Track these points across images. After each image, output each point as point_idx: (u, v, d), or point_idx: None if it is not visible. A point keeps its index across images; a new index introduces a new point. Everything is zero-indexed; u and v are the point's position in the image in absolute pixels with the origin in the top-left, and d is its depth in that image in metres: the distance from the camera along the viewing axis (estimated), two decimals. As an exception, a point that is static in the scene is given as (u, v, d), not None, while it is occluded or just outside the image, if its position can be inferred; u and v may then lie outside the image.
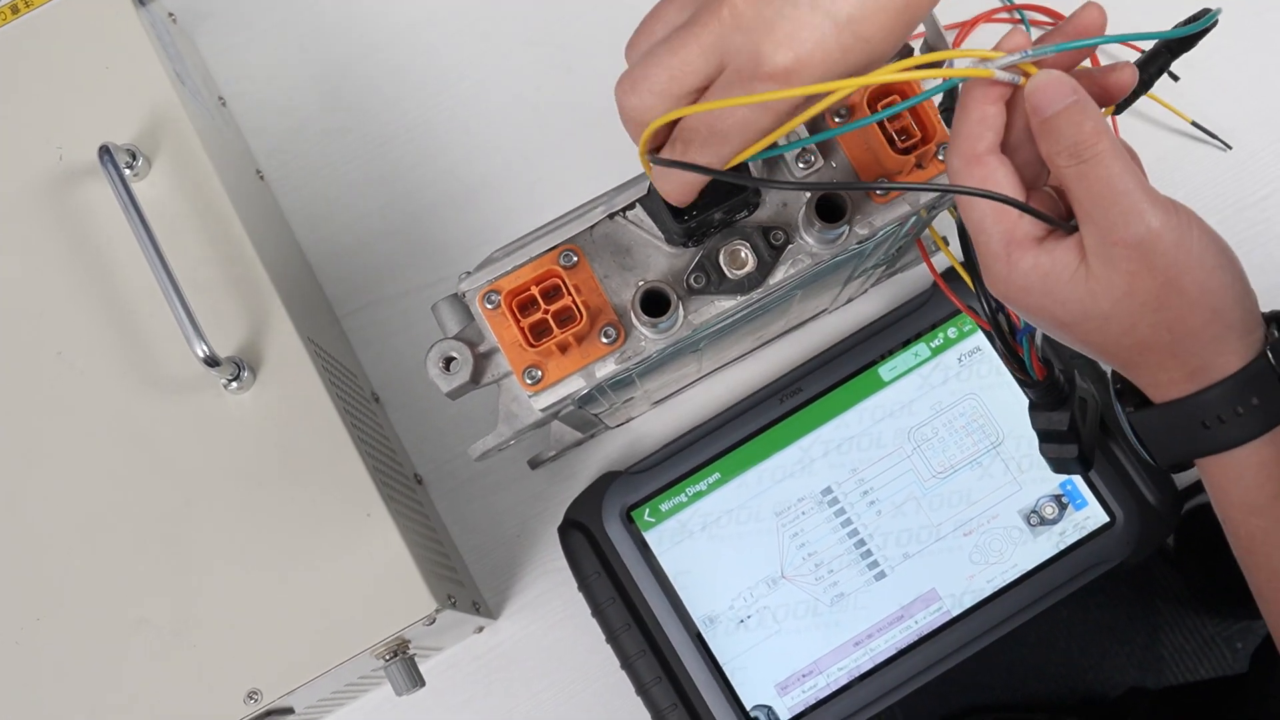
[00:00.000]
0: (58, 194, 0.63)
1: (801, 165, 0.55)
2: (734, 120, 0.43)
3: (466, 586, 0.72)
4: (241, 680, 0.58)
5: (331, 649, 0.58)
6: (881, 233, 0.56)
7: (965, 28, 0.80)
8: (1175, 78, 0.78)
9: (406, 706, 0.73)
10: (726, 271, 0.54)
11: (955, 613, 0.70)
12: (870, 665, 0.70)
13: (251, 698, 0.58)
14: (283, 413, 0.61)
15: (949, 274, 0.67)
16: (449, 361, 0.55)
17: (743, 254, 0.55)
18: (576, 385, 0.55)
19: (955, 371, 0.73)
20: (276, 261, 0.66)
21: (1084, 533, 0.71)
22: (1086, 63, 0.74)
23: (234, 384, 0.60)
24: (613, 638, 0.70)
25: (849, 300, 0.77)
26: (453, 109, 0.82)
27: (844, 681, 0.70)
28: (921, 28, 0.53)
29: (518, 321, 0.53)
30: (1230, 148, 0.78)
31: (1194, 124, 0.78)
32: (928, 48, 0.55)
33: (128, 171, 0.62)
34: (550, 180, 0.80)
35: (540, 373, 0.54)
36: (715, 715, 0.69)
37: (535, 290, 0.53)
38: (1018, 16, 0.80)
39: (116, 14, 0.65)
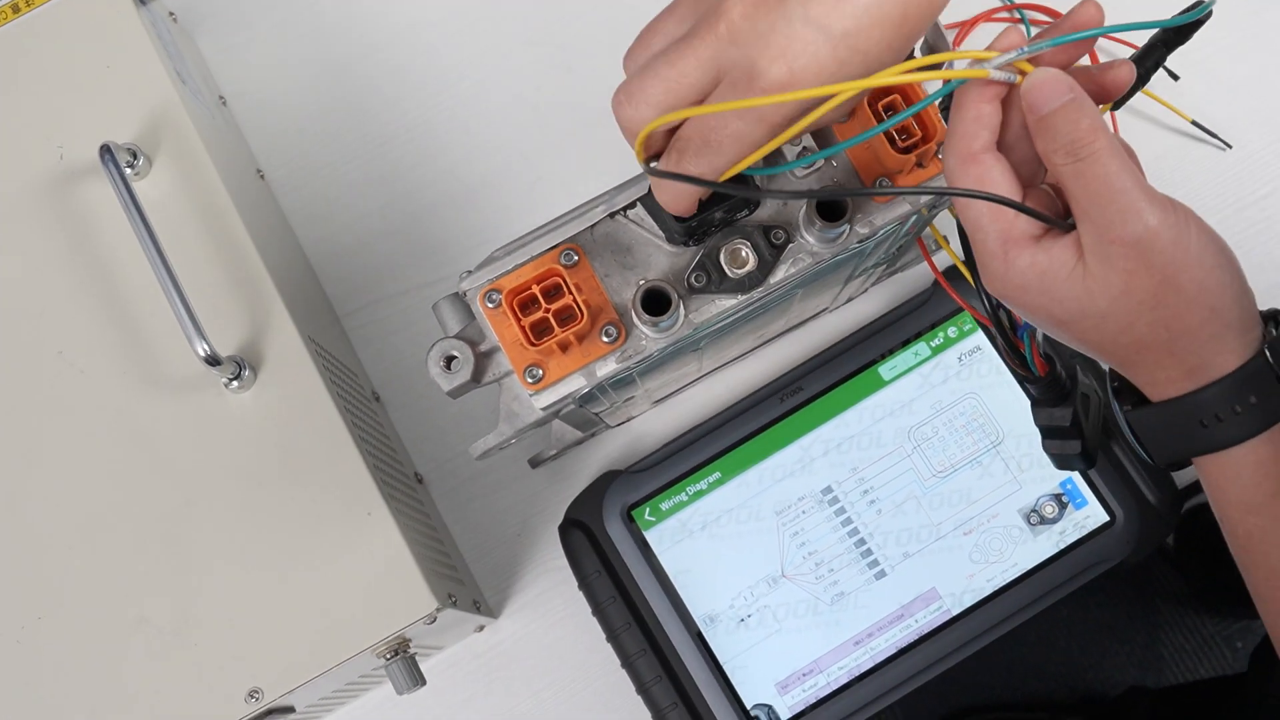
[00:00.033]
0: (58, 193, 0.63)
1: (802, 164, 0.55)
2: (727, 133, 0.44)
3: (467, 585, 0.72)
4: (242, 679, 0.58)
5: (332, 648, 0.58)
6: (882, 232, 0.56)
7: (965, 27, 0.80)
8: (1175, 76, 0.79)
9: (407, 705, 0.74)
10: (727, 270, 0.55)
11: (955, 612, 0.70)
12: (870, 664, 0.70)
13: (252, 696, 0.58)
14: (283, 412, 0.61)
15: (950, 272, 0.67)
16: (450, 360, 0.55)
17: (743, 253, 0.55)
18: (577, 384, 0.55)
19: (955, 370, 0.73)
20: (277, 261, 0.66)
21: (1084, 532, 0.71)
22: (1085, 60, 0.74)
23: (235, 383, 0.60)
24: (613, 636, 0.70)
25: (849, 299, 0.77)
26: (453, 109, 0.82)
27: (844, 680, 0.70)
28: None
29: (519, 320, 0.53)
30: (1230, 147, 0.78)
31: (1194, 123, 0.78)
32: (928, 48, 0.55)
33: (129, 171, 0.62)
34: (550, 180, 0.80)
35: (541, 371, 0.54)
36: (716, 714, 0.69)
37: (536, 289, 0.53)
38: (1018, 16, 0.80)
39: (117, 13, 0.66)
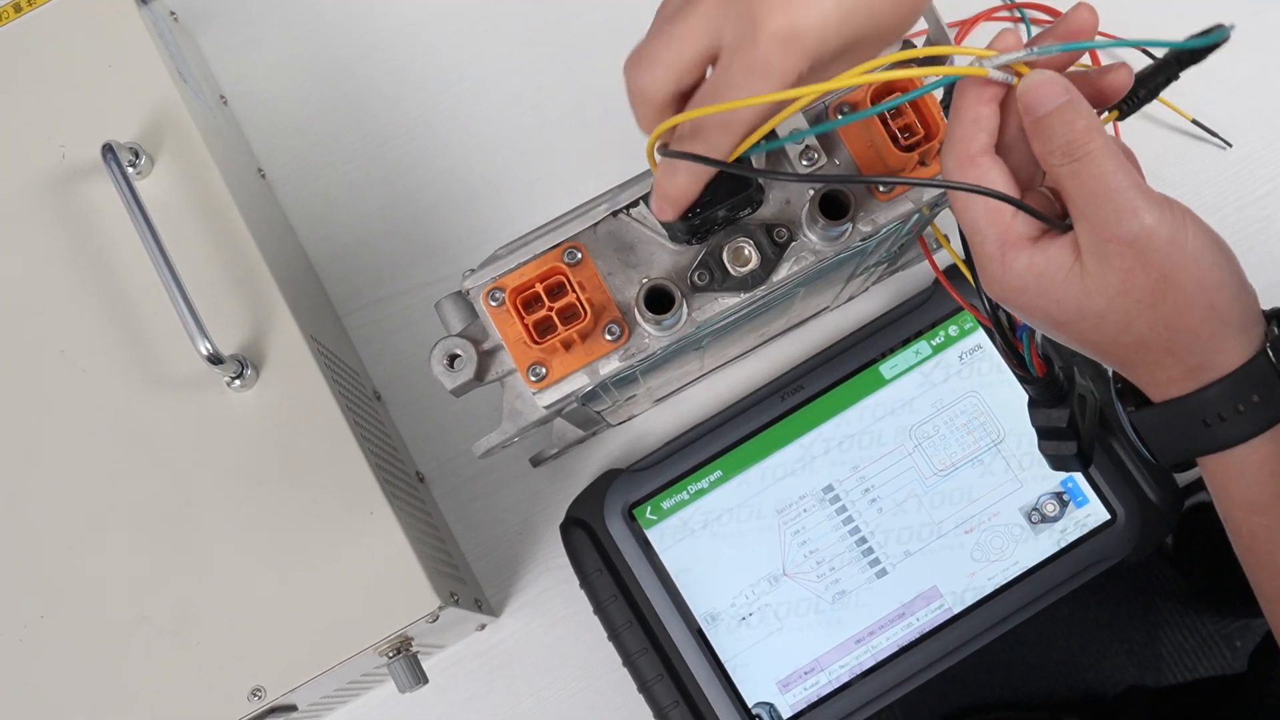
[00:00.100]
0: (60, 192, 0.63)
1: (805, 163, 0.55)
2: (722, 116, 0.44)
3: (469, 584, 0.72)
4: (244, 678, 0.58)
5: (334, 646, 0.58)
6: (884, 230, 0.56)
7: (966, 25, 0.80)
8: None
9: (409, 704, 0.74)
10: (730, 269, 0.55)
11: (956, 610, 0.70)
12: (872, 663, 0.70)
13: (255, 695, 0.58)
14: (285, 411, 0.61)
15: (950, 270, 0.68)
16: (453, 359, 0.56)
17: (746, 251, 0.55)
18: (581, 382, 0.55)
19: (956, 369, 0.73)
20: (279, 260, 0.66)
21: (1085, 530, 0.71)
22: (1087, 60, 0.74)
23: (237, 382, 0.60)
24: (614, 635, 0.70)
25: (850, 298, 0.77)
26: (453, 109, 0.82)
27: (845, 679, 0.70)
28: (924, 24, 0.53)
29: (522, 318, 0.53)
30: (1230, 145, 0.79)
31: (1194, 122, 0.78)
32: (930, 45, 0.55)
33: (130, 170, 0.62)
34: (550, 179, 0.80)
35: (544, 370, 0.54)
36: (717, 712, 0.69)
37: (539, 287, 0.53)
38: (1018, 15, 0.80)
39: (118, 13, 0.66)
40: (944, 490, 0.72)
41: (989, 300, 0.53)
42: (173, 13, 0.77)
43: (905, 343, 0.74)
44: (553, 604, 0.76)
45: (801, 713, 0.69)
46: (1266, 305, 0.47)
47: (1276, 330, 0.46)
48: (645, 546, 0.71)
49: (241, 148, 0.78)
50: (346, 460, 0.61)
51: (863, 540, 0.71)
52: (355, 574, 0.59)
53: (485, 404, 0.76)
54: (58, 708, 0.58)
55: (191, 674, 0.58)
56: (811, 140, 0.55)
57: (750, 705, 0.69)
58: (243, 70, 0.82)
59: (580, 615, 0.73)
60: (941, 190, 0.55)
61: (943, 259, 0.74)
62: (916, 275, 0.78)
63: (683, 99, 0.46)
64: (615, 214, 0.56)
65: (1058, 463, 0.56)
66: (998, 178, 0.45)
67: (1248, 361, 0.45)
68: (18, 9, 0.65)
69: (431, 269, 0.79)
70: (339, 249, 0.80)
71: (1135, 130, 0.79)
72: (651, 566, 0.71)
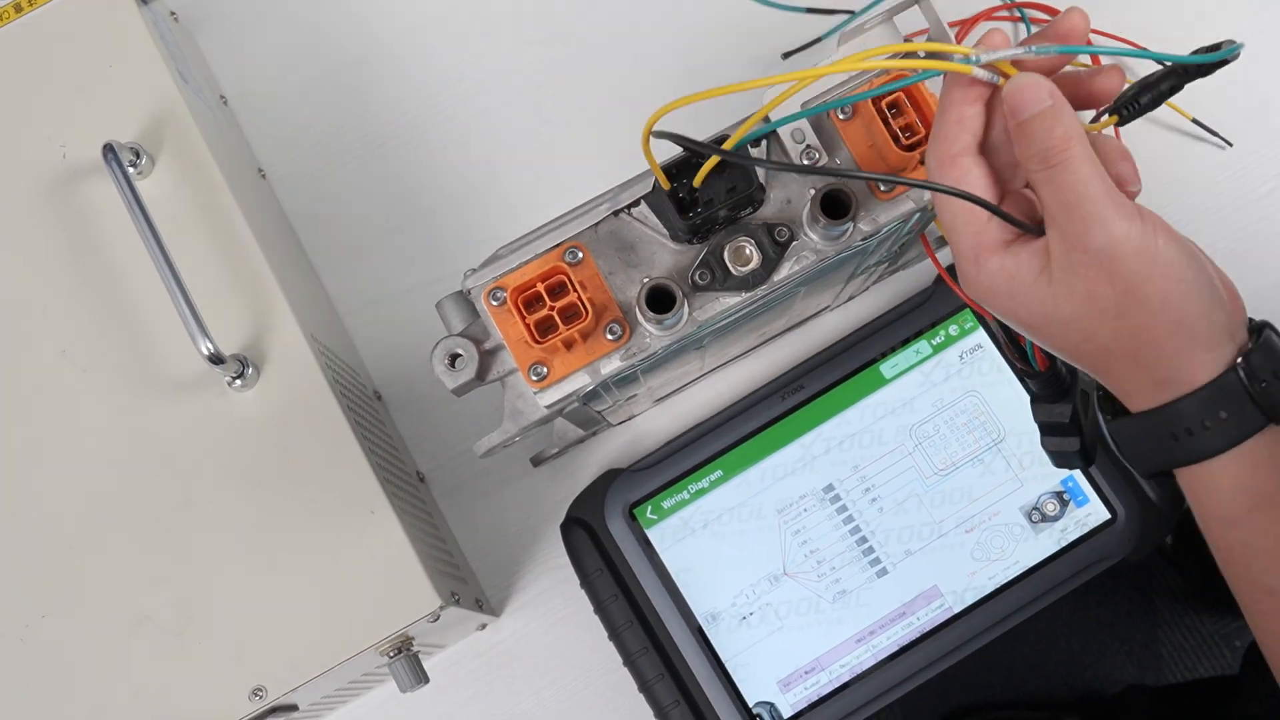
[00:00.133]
0: (61, 192, 0.63)
1: (805, 161, 0.55)
2: None
3: (469, 583, 0.72)
4: (245, 677, 0.58)
5: (335, 646, 0.58)
6: (885, 229, 0.56)
7: (966, 25, 0.80)
8: (1175, 76, 0.79)
9: (410, 703, 0.74)
10: (731, 268, 0.55)
11: (957, 609, 0.70)
12: (872, 662, 0.70)
13: (256, 694, 0.58)
14: (286, 410, 0.61)
15: (952, 268, 0.67)
16: (454, 358, 0.56)
17: (747, 251, 0.55)
18: (582, 382, 0.55)
19: (956, 369, 0.73)
20: (279, 259, 0.66)
21: (1085, 529, 0.71)
22: (1086, 59, 0.74)
23: (238, 382, 0.60)
24: (615, 635, 0.70)
25: (850, 298, 0.77)
26: (453, 109, 0.82)
27: (846, 678, 0.70)
28: (924, 23, 0.53)
29: (523, 318, 0.53)
30: (1231, 145, 0.79)
31: (1194, 121, 0.78)
32: (930, 43, 0.55)
33: (131, 170, 0.62)
34: (550, 179, 0.80)
35: (546, 369, 0.54)
36: (718, 712, 0.69)
37: (541, 287, 0.53)
38: (1018, 14, 0.80)
39: (119, 13, 0.66)
40: (944, 489, 0.72)
41: None
42: (173, 13, 0.77)
43: (905, 342, 0.74)
44: (553, 604, 0.76)
45: (802, 712, 0.69)
46: (1265, 307, 0.47)
47: (1252, 346, 0.45)
48: (646, 546, 0.71)
49: (241, 148, 0.78)
50: (347, 460, 0.61)
51: (863, 540, 0.71)
52: (356, 573, 0.59)
53: (486, 404, 0.76)
54: (59, 707, 0.58)
55: (192, 673, 0.58)
56: (813, 140, 0.55)
57: (751, 705, 0.70)
58: (243, 70, 0.82)
59: (581, 615, 0.73)
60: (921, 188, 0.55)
61: (945, 256, 0.74)
62: (916, 275, 0.78)
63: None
64: (616, 213, 0.56)
65: (1060, 459, 0.56)
66: (977, 179, 0.45)
67: (1215, 378, 0.44)
68: (18, 9, 0.65)
69: (432, 268, 0.79)
70: (339, 248, 0.80)
71: (1135, 130, 0.79)
72: (652, 566, 0.71)
